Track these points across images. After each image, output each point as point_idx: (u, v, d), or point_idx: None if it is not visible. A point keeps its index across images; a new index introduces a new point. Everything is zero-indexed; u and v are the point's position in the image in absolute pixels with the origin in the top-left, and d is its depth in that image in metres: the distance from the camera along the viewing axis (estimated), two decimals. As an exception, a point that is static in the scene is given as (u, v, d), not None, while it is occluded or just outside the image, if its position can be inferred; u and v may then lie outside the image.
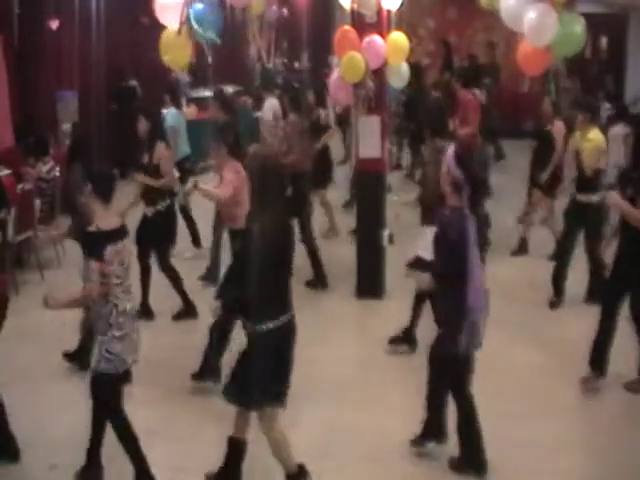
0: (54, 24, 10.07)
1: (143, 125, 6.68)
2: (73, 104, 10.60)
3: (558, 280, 7.19)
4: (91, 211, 4.36)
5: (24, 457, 4.81)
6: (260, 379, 4.15)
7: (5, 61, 8.68)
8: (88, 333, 5.76)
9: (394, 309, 6.99)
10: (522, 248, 8.63)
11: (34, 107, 9.83)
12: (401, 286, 7.28)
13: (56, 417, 5.22)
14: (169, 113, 8.83)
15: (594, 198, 6.88)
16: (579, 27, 5.84)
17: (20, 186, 7.69)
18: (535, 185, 8.41)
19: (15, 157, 8.34)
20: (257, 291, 4.07)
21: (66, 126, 10.30)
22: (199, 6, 6.10)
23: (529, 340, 6.37)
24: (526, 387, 5.66)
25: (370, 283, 7.30)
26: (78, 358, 5.77)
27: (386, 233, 7.43)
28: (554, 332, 6.63)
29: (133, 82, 12.10)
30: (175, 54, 6.28)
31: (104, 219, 4.29)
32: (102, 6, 11.40)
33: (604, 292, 5.89)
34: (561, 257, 7.27)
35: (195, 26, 6.06)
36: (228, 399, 4.30)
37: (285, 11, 16.62)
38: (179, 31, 6.03)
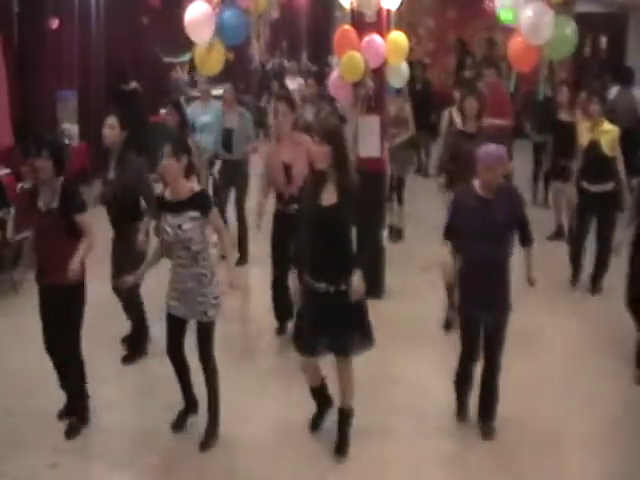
0: (54, 23, 10.06)
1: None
2: (73, 104, 10.60)
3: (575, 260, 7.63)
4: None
5: (24, 457, 4.82)
6: (304, 327, 4.69)
7: (5, 61, 8.68)
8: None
9: (394, 309, 6.99)
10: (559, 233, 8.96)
11: (34, 107, 9.82)
12: (401, 286, 7.32)
13: (55, 417, 5.21)
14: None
15: (609, 186, 7.20)
16: (570, 30, 5.84)
17: (19, 185, 7.68)
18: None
19: (14, 156, 8.34)
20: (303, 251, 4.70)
21: (66, 126, 10.30)
22: (226, 15, 6.32)
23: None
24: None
25: (370, 283, 7.24)
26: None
27: (386, 233, 7.43)
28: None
29: (134, 84, 12.11)
30: (209, 64, 6.60)
31: (171, 189, 4.72)
32: (102, 6, 11.40)
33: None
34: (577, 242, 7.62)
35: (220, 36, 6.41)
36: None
37: (284, 11, 16.60)
38: (211, 46, 6.40)
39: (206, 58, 6.55)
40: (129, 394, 5.71)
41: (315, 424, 5.03)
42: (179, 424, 5.05)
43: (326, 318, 4.59)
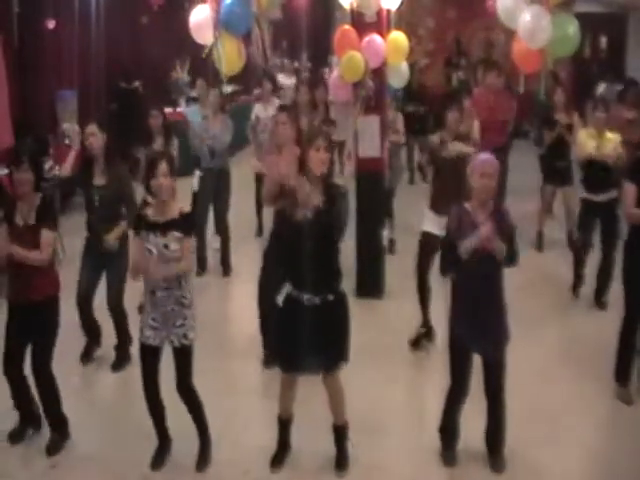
0: (50, 24, 10.06)
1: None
2: (73, 104, 10.60)
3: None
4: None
5: (24, 457, 4.82)
6: (275, 340, 4.67)
7: (5, 61, 8.68)
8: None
9: (394, 309, 7.00)
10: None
11: (34, 107, 9.83)
12: (401, 286, 7.31)
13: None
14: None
15: (614, 194, 6.88)
16: (572, 28, 5.82)
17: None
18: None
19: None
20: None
21: (66, 125, 10.30)
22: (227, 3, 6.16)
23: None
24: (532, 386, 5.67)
25: (370, 283, 7.29)
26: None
27: (386, 233, 7.43)
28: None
29: (136, 84, 12.13)
30: (230, 63, 6.40)
31: (159, 207, 4.51)
32: (102, 6, 11.41)
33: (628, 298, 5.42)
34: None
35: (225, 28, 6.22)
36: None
37: (284, 11, 16.59)
38: (214, 43, 6.16)
39: (225, 56, 6.40)
40: (129, 397, 5.71)
41: (277, 462, 4.73)
42: (158, 463, 4.76)
43: (310, 332, 4.41)
